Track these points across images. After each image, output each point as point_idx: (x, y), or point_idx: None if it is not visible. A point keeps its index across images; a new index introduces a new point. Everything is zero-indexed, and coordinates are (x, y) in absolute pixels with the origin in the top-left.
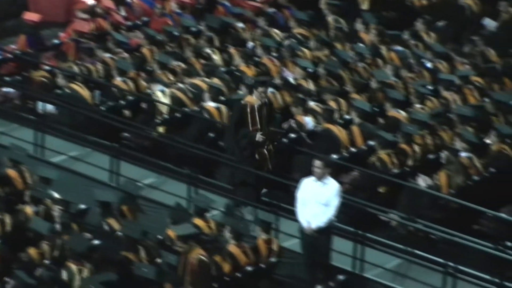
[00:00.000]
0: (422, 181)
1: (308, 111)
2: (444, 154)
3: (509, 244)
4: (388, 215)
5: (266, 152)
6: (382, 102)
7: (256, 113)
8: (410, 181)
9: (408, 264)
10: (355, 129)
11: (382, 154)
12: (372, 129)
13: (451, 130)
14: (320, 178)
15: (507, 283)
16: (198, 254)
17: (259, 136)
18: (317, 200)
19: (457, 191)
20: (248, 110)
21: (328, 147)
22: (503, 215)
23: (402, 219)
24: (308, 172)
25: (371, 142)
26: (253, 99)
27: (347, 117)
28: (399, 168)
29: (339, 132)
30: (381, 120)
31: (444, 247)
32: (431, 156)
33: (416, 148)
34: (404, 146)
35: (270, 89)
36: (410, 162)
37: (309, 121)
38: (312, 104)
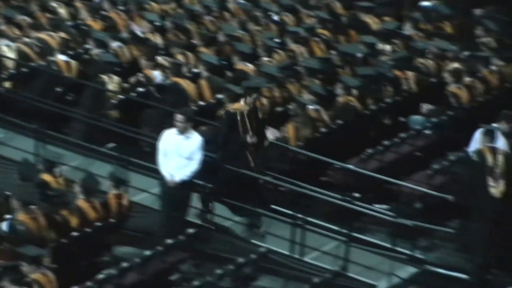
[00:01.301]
0: (270, 134)
1: (156, 65)
2: (291, 107)
3: (356, 195)
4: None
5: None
6: (230, 55)
7: (246, 119)
8: None
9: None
10: (203, 82)
11: (231, 106)
12: (220, 82)
13: (299, 83)
14: (182, 131)
15: (355, 234)
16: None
17: (249, 138)
18: (179, 153)
19: (305, 143)
20: (238, 117)
21: (177, 101)
22: (350, 166)
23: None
24: (157, 126)
25: (220, 95)
26: (241, 105)
27: (195, 70)
28: None
29: (187, 85)
30: (229, 73)
31: (293, 198)
32: (279, 109)
33: (264, 100)
34: None
35: (117, 44)
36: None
37: (157, 75)
38: (160, 58)
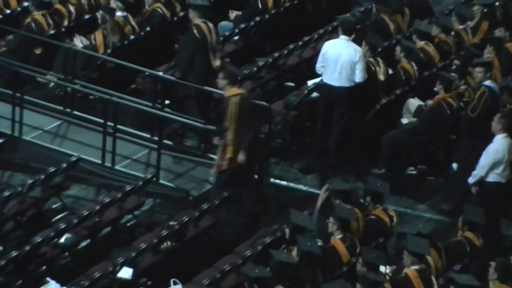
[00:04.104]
0: (78, 42)
1: None
2: (99, 14)
3: (166, 102)
4: (45, 76)
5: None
6: None
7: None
8: (67, 42)
9: (68, 125)
10: None
11: (37, 15)
12: None
13: None
14: None
15: (165, 141)
16: None
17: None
18: None
19: (113, 51)
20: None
21: None
22: (159, 73)
23: (59, 80)
24: None
25: (26, 3)
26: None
27: None
28: (54, 29)
29: None
30: None
31: (103, 107)
32: (86, 16)
33: (71, 8)
34: (59, 6)
35: None
36: (65, 23)
37: None
38: None
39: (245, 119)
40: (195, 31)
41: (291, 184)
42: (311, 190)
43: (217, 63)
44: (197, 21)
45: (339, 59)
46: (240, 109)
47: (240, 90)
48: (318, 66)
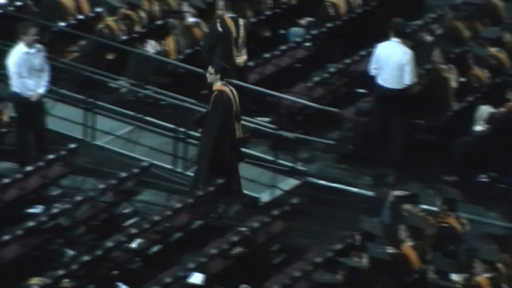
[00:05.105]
0: (151, 47)
1: None
2: (169, 20)
3: None
4: (117, 81)
5: None
6: None
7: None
8: (139, 47)
9: (139, 130)
10: None
11: (109, 20)
12: None
13: None
14: (32, 45)
15: None
16: None
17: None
18: (33, 67)
19: (185, 56)
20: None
21: (54, 14)
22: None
23: (131, 85)
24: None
25: (98, 9)
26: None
27: None
28: (127, 35)
29: None
30: None
31: (173, 112)
32: (158, 22)
33: (143, 14)
34: (130, 12)
35: None
36: (137, 28)
37: None
38: None
39: (215, 116)
40: (218, 25)
41: (362, 191)
42: (381, 196)
43: (240, 59)
44: (225, 15)
45: (389, 61)
46: (213, 104)
47: (223, 87)
48: (371, 67)
